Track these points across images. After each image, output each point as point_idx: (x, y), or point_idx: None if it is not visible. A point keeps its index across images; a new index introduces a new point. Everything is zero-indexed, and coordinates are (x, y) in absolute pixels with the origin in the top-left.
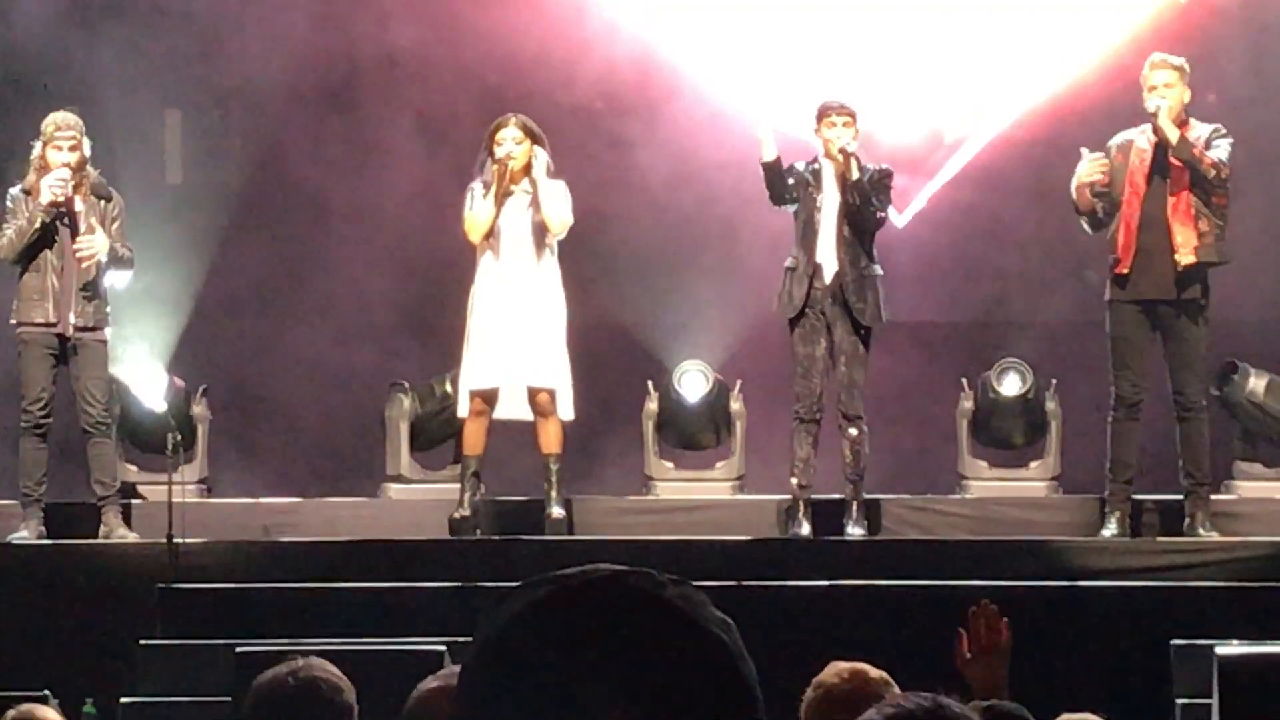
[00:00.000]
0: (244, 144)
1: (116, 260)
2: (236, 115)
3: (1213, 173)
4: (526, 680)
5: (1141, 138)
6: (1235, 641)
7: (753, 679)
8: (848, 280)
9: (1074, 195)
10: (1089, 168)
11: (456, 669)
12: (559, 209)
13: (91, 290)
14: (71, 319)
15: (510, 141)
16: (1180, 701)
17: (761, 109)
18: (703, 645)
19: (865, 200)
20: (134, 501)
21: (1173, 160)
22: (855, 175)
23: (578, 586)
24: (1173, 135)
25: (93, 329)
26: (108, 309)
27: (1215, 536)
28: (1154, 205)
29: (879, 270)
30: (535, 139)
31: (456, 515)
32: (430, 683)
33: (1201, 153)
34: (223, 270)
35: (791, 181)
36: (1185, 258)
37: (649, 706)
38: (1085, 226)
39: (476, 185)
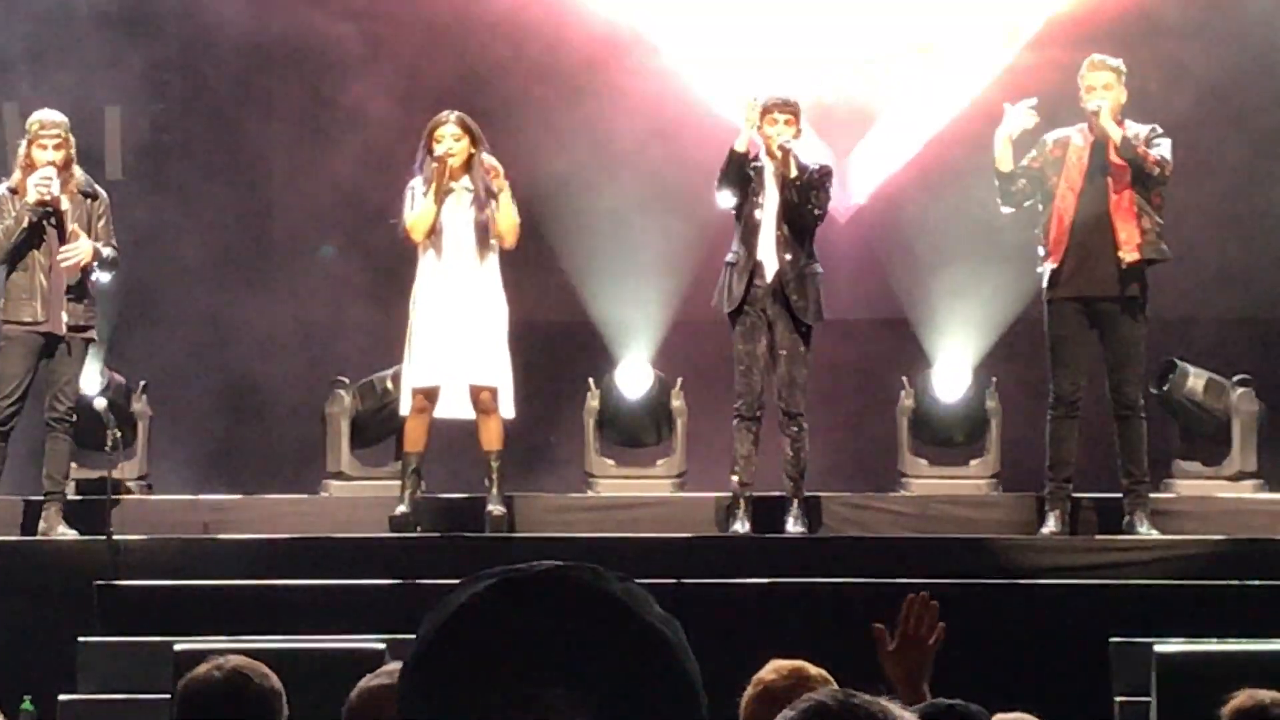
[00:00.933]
0: (185, 140)
1: (103, 261)
2: (177, 110)
3: (1157, 170)
4: (471, 673)
5: (1079, 136)
6: (1173, 639)
7: (696, 676)
8: (788, 278)
9: (997, 154)
10: (1018, 118)
11: (397, 666)
12: (509, 218)
13: (79, 290)
14: (64, 318)
15: (449, 139)
16: (1119, 699)
17: (751, 96)
18: (647, 641)
19: (804, 198)
20: (72, 498)
21: (1113, 159)
22: (794, 173)
23: (523, 580)
24: (1115, 135)
25: (83, 328)
26: (95, 308)
27: (1154, 534)
28: (1093, 203)
29: (819, 268)
30: (473, 137)
31: (397, 512)
32: (371, 680)
33: (1145, 151)
34: (164, 267)
35: (743, 176)
36: (1129, 255)
37: (594, 700)
38: (1000, 200)
39: (416, 183)
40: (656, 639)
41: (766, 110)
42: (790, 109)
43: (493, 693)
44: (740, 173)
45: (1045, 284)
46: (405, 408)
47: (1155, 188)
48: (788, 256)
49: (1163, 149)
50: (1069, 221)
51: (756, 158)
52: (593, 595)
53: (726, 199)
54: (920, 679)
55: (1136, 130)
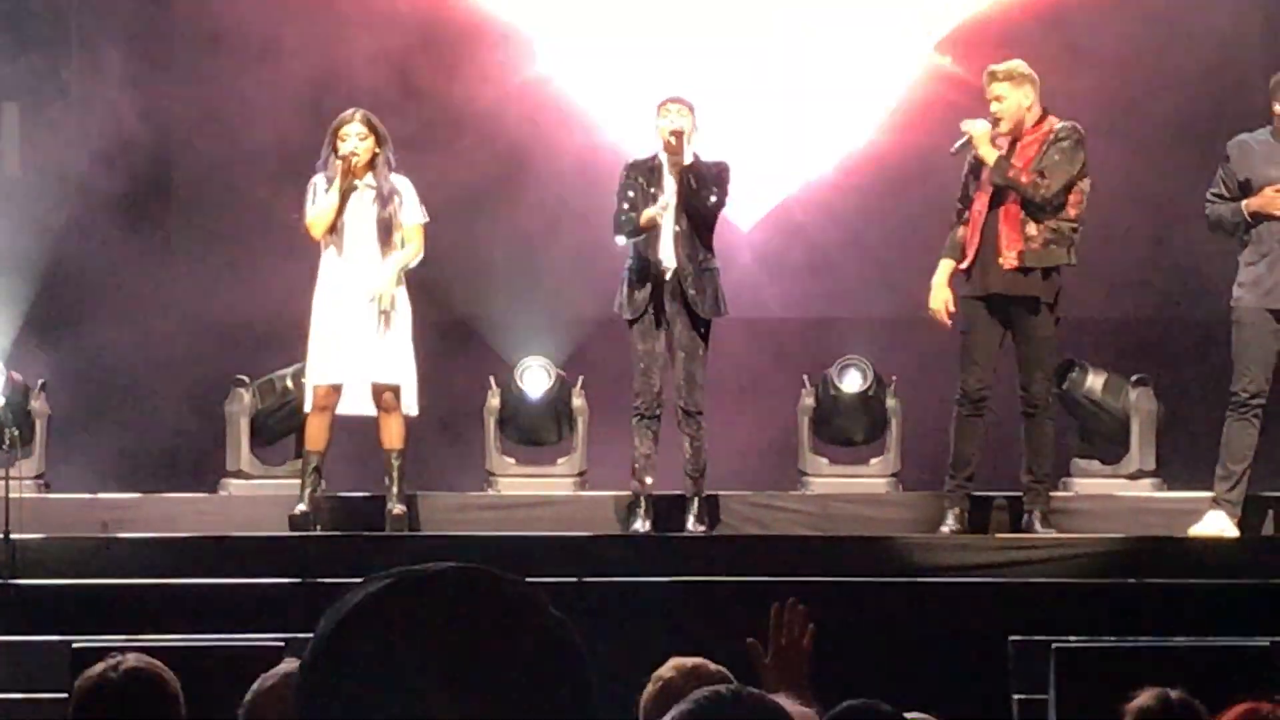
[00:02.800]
0: (85, 134)
1: None
2: (78, 105)
3: (1030, 191)
4: (368, 672)
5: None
6: (1072, 637)
7: (592, 679)
8: (686, 274)
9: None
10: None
11: (295, 663)
12: (415, 216)
13: None
14: None
15: (354, 137)
16: (1017, 697)
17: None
18: (542, 640)
19: (699, 187)
20: None
21: (1015, 161)
22: (688, 160)
23: (420, 580)
24: (990, 158)
25: None
26: None
27: (1053, 533)
28: (995, 205)
29: (717, 264)
30: (378, 135)
31: (297, 511)
32: (268, 678)
33: (1019, 172)
34: (62, 263)
35: (628, 205)
36: (1008, 262)
37: (488, 698)
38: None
39: (318, 179)
40: (552, 640)
41: (660, 105)
42: (682, 102)
43: (389, 692)
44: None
45: (961, 282)
46: (307, 405)
47: (1039, 205)
48: (685, 253)
49: (1048, 159)
50: (978, 223)
51: (654, 157)
52: (489, 596)
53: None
54: (803, 685)
55: (1051, 128)
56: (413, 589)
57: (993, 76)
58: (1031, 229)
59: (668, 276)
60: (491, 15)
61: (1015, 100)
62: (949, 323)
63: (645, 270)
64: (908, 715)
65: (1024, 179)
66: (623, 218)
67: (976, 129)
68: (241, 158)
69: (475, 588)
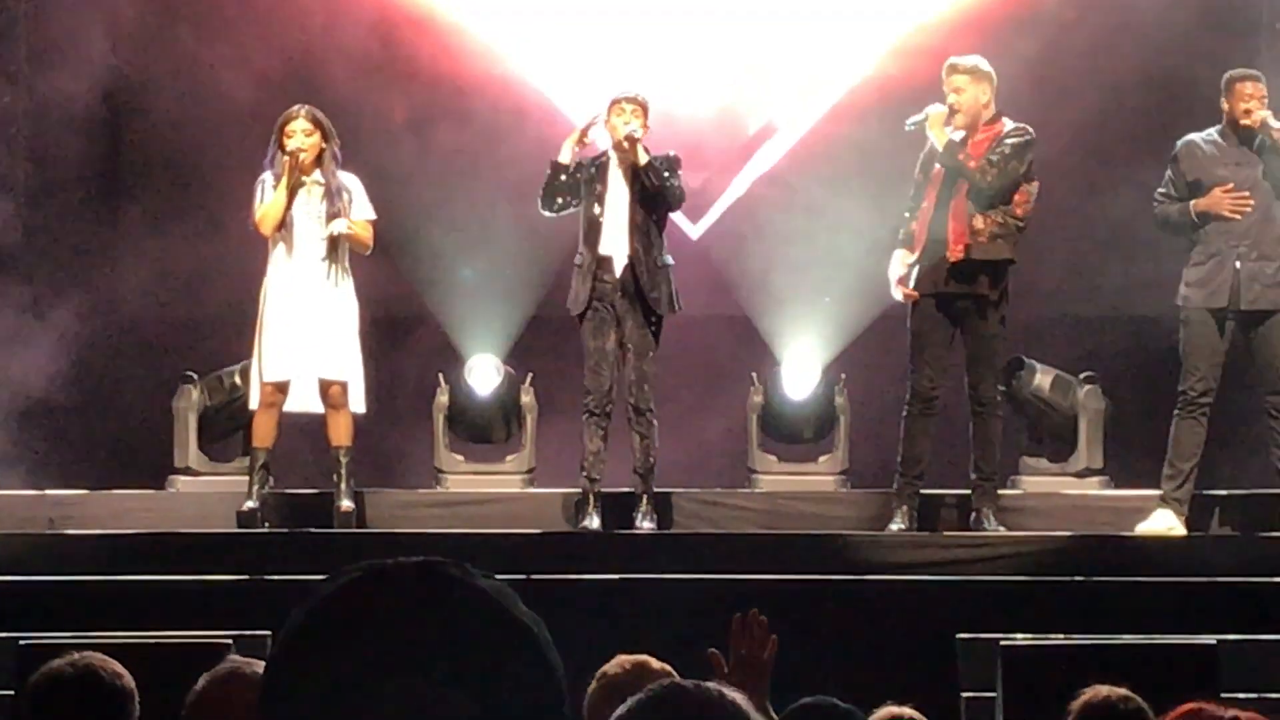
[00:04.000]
0: (24, 126)
1: None
2: (23, 94)
3: (976, 176)
4: (338, 664)
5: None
6: (1019, 635)
7: (561, 673)
8: (640, 270)
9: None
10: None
11: (241, 660)
12: (364, 213)
13: None
14: None
15: (300, 134)
16: (965, 694)
17: (596, 114)
18: (513, 634)
19: (661, 178)
20: None
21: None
22: (644, 159)
23: (391, 572)
24: (939, 141)
25: None
26: None
27: (1001, 531)
28: (943, 202)
29: (670, 260)
30: (324, 131)
31: (244, 508)
32: (213, 675)
33: (966, 156)
34: (7, 256)
35: (569, 185)
36: (954, 254)
37: (459, 691)
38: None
39: (266, 177)
40: (523, 634)
41: (614, 103)
42: (637, 102)
43: (360, 684)
44: (558, 185)
45: (914, 280)
46: (254, 402)
47: (985, 191)
48: (640, 248)
49: (997, 153)
50: (927, 219)
51: (602, 155)
52: (460, 589)
53: (549, 206)
54: (762, 696)
55: (1002, 128)
56: (383, 582)
57: (954, 69)
58: (979, 222)
59: (619, 273)
60: (444, 8)
61: (973, 94)
62: (916, 294)
63: (597, 266)
64: (892, 709)
65: (971, 164)
66: (557, 195)
67: (934, 110)
68: (193, 148)
69: (446, 580)
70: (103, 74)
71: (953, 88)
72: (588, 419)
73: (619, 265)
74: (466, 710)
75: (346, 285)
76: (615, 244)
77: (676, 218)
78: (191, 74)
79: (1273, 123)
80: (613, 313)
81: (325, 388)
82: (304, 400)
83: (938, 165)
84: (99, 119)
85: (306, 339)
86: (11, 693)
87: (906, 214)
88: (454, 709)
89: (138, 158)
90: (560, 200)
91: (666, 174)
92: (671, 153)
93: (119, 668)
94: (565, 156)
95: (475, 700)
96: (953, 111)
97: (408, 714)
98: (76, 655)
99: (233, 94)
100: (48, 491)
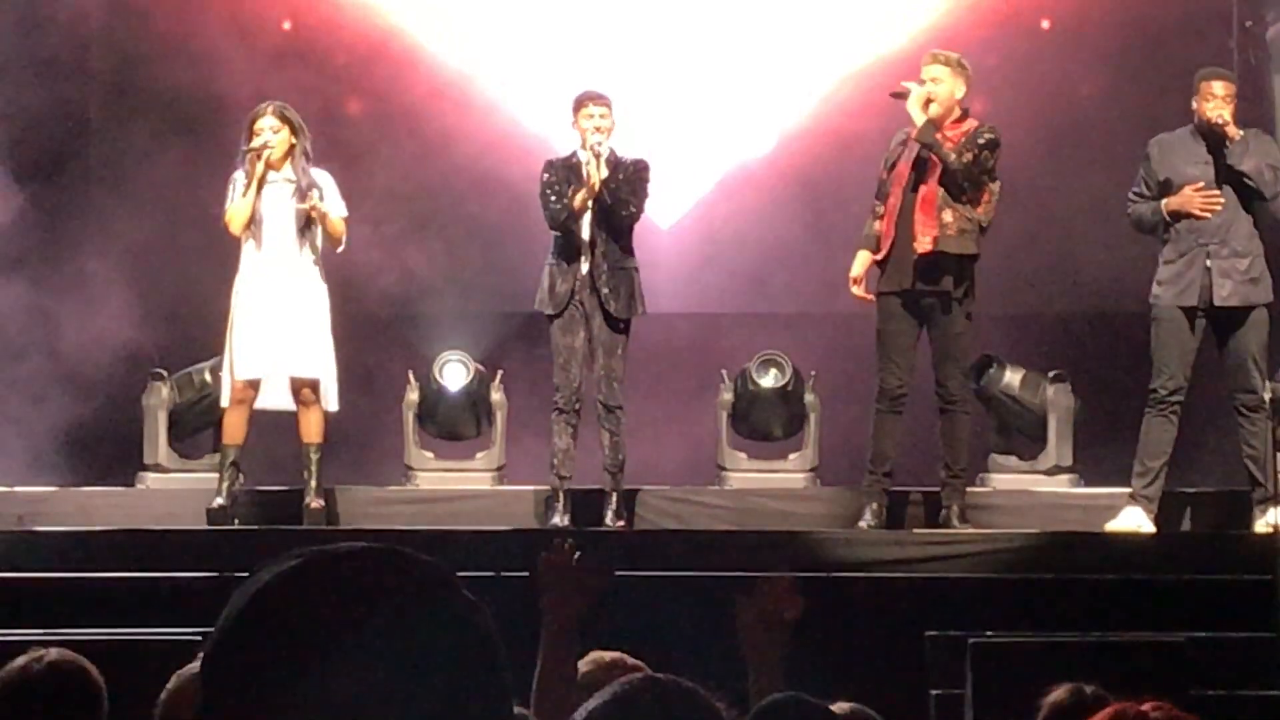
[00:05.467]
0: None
1: None
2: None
3: (952, 158)
4: (278, 646)
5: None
6: (989, 633)
7: (504, 658)
8: (600, 273)
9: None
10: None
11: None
12: (337, 209)
13: None
14: None
15: (268, 131)
16: (934, 692)
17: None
18: (456, 619)
19: (615, 200)
20: None
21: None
22: (603, 174)
23: (332, 556)
24: (918, 119)
25: None
26: None
27: (970, 529)
28: (909, 197)
29: (634, 262)
30: (293, 127)
31: (214, 505)
32: (185, 673)
33: (943, 137)
34: None
35: (556, 197)
36: (922, 246)
37: (401, 674)
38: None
39: (238, 176)
40: (466, 618)
41: (580, 104)
42: (604, 102)
43: (299, 671)
44: (570, 227)
45: (878, 277)
46: (225, 399)
47: (960, 178)
48: (600, 251)
49: (980, 142)
50: (894, 216)
51: (573, 155)
52: (402, 571)
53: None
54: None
55: (972, 126)
56: (329, 562)
57: (934, 58)
58: (947, 215)
59: (583, 272)
60: (410, 10)
61: (949, 87)
62: (871, 296)
63: (565, 266)
64: (838, 705)
65: (946, 145)
66: (556, 207)
67: (917, 88)
68: (164, 141)
69: (391, 562)
70: (75, 73)
71: (931, 77)
72: (556, 416)
73: (585, 265)
74: (410, 694)
75: (319, 282)
76: (582, 244)
77: (648, 212)
78: (168, 66)
79: (1230, 127)
80: (582, 311)
81: (296, 385)
82: (275, 398)
83: (901, 162)
84: (71, 109)
85: (278, 336)
86: None
87: (871, 214)
88: (397, 692)
89: (108, 146)
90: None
91: (624, 194)
92: (640, 159)
93: (88, 665)
94: (580, 202)
95: (418, 683)
96: (928, 100)
97: (350, 697)
98: (45, 652)
99: (208, 87)
100: (17, 488)
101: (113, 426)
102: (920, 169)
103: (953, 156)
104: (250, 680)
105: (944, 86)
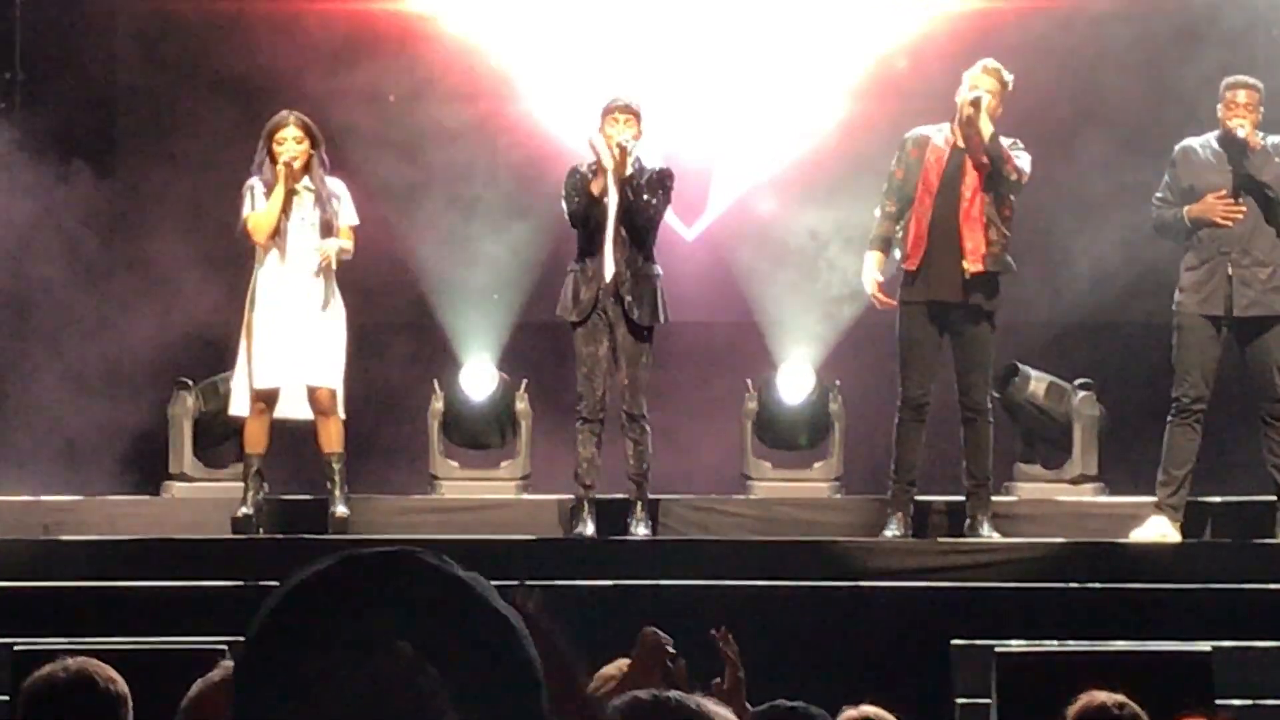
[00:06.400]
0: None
1: None
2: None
3: (1014, 176)
4: (312, 647)
5: (939, 135)
6: (1014, 642)
7: (538, 663)
8: (624, 280)
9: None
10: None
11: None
12: (349, 219)
13: None
14: None
15: (291, 142)
16: (960, 701)
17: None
18: (492, 623)
19: (638, 195)
20: None
21: (970, 162)
22: (628, 171)
23: (368, 559)
24: (987, 129)
25: None
26: None
27: (995, 537)
28: (946, 208)
29: (658, 270)
30: (312, 138)
31: (239, 514)
32: (207, 681)
33: (1009, 153)
34: (7, 264)
35: (578, 196)
36: (973, 265)
37: (437, 675)
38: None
39: (255, 184)
40: (502, 624)
41: (608, 111)
42: (631, 111)
43: (334, 665)
44: (591, 215)
45: (900, 286)
46: (240, 408)
47: (1008, 196)
48: (624, 258)
49: (1023, 160)
50: (925, 225)
51: (597, 161)
52: (439, 575)
53: (580, 225)
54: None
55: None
56: (365, 564)
57: (991, 71)
58: (993, 233)
59: (607, 280)
60: (435, 14)
61: (994, 103)
62: (890, 300)
63: (589, 274)
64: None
65: (1011, 162)
66: (576, 198)
67: (986, 97)
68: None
69: (428, 566)
70: (101, 82)
71: (988, 88)
72: (581, 425)
73: (608, 272)
74: (443, 694)
75: (334, 292)
76: (606, 252)
77: (671, 221)
78: (191, 82)
79: (1251, 137)
80: (605, 319)
81: (313, 394)
82: (292, 408)
83: (930, 170)
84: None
85: (295, 346)
86: (6, 698)
87: (877, 213)
88: (431, 693)
89: (130, 159)
90: (585, 226)
91: (646, 193)
92: (664, 166)
93: (113, 673)
94: (599, 189)
95: (453, 685)
96: (974, 101)
97: (383, 698)
98: (71, 661)
99: (229, 99)
100: (43, 498)
101: (138, 435)
102: (956, 180)
103: (1014, 177)
104: (283, 680)
105: (991, 101)
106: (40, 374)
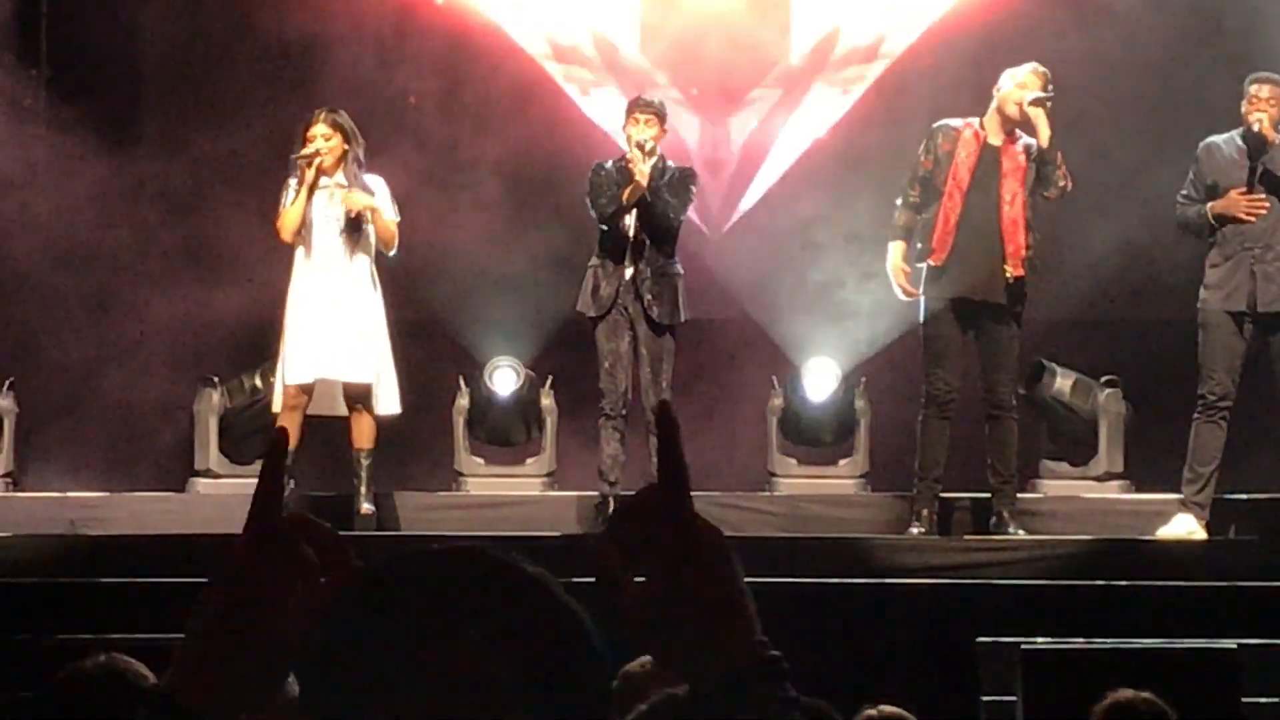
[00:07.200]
0: (50, 120)
1: None
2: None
3: (1064, 183)
4: (384, 639)
5: (969, 132)
6: (1040, 639)
7: (608, 661)
8: (643, 279)
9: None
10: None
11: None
12: (388, 214)
13: None
14: None
15: (319, 138)
16: (985, 698)
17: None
18: (561, 618)
19: (658, 196)
20: None
21: (1004, 164)
22: (645, 169)
23: (437, 554)
24: (1046, 133)
25: None
26: None
27: (1021, 534)
28: (980, 206)
29: (679, 269)
30: (345, 134)
31: None
32: None
33: (1062, 159)
34: (28, 261)
35: (607, 196)
36: (1015, 270)
37: (507, 671)
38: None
39: (293, 182)
40: (571, 619)
41: (631, 109)
42: (653, 109)
43: (407, 658)
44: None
45: (924, 281)
46: (277, 404)
47: (1040, 200)
48: (645, 255)
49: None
50: (954, 221)
51: (623, 157)
52: (507, 571)
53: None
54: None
55: (1026, 144)
56: (427, 562)
57: (1035, 72)
58: (1030, 237)
59: (627, 277)
60: (471, 9)
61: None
62: (915, 290)
63: (609, 270)
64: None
65: (1063, 167)
66: (603, 201)
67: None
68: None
69: (499, 561)
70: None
71: (1049, 96)
72: (604, 422)
73: (628, 270)
74: (515, 688)
75: (372, 286)
76: (627, 248)
77: (698, 218)
78: (220, 77)
79: (1270, 133)
80: (625, 315)
81: (349, 390)
82: (326, 404)
83: (962, 165)
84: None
85: (330, 341)
86: (34, 693)
87: (899, 202)
88: (503, 686)
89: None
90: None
91: (667, 193)
92: (687, 167)
93: (144, 669)
94: (627, 198)
95: (523, 678)
96: (1042, 102)
97: (456, 690)
98: (102, 656)
99: (256, 95)
100: (69, 494)
101: (165, 432)
102: (990, 179)
103: (1062, 182)
104: (354, 673)
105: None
106: (66, 371)
